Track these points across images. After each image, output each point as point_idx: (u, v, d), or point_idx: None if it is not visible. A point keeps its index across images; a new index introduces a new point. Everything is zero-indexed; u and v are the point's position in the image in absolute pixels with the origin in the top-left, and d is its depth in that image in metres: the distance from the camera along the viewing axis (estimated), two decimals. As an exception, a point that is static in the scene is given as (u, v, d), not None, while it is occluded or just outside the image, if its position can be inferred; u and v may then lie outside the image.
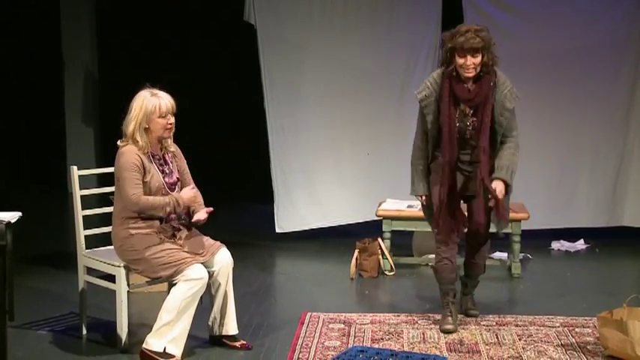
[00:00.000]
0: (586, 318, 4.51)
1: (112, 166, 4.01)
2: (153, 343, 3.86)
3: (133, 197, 3.87)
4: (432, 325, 4.45)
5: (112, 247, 4.10)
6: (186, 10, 8.78)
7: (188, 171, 4.16)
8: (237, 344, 4.14)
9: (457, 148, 4.25)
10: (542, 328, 4.41)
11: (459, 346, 4.15)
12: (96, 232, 4.34)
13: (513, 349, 4.09)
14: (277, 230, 6.51)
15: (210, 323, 4.15)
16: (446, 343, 4.19)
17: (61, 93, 8.71)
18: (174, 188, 4.04)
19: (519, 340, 4.22)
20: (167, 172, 4.02)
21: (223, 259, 4.07)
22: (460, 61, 4.14)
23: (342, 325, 4.47)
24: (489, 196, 4.24)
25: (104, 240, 4.27)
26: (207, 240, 4.11)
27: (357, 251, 5.54)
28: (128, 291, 4.07)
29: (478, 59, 4.12)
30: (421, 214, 5.56)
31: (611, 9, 6.37)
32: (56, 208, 7.70)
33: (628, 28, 6.33)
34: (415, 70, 6.67)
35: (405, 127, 6.68)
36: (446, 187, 4.27)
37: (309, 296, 5.11)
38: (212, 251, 4.04)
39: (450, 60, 4.19)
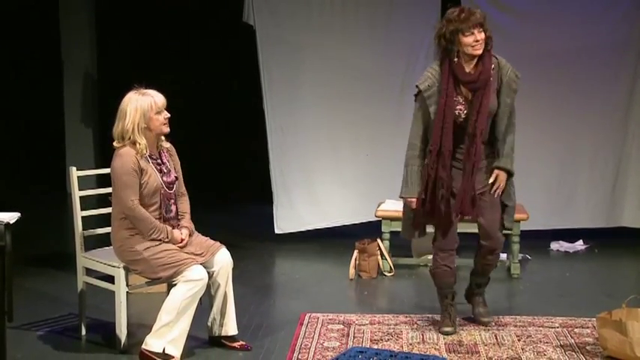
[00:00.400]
0: (585, 319, 4.51)
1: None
2: (152, 343, 3.86)
3: (130, 203, 3.88)
4: (431, 326, 4.45)
5: (111, 247, 4.10)
6: (185, 10, 8.77)
7: (181, 173, 4.15)
8: (237, 345, 4.14)
9: (452, 138, 4.10)
10: (541, 328, 4.41)
11: (458, 346, 4.15)
12: (95, 233, 4.34)
13: (512, 350, 4.09)
14: (276, 231, 6.50)
15: (209, 324, 4.15)
16: (445, 343, 4.19)
17: (60, 93, 8.71)
18: (173, 187, 4.04)
19: (518, 340, 4.22)
20: (165, 171, 4.02)
21: (223, 259, 4.07)
22: (468, 39, 4.02)
23: (342, 326, 4.47)
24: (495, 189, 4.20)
25: (103, 241, 4.27)
26: (207, 240, 4.11)
27: (356, 252, 5.54)
28: (127, 292, 4.07)
29: (482, 35, 4.04)
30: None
31: (610, 10, 6.37)
32: (55, 209, 7.70)
33: (627, 29, 6.33)
34: (414, 70, 6.65)
35: (405, 128, 6.62)
36: (445, 186, 4.14)
37: (309, 297, 5.11)
38: (212, 252, 4.04)
39: (451, 47, 4.06)
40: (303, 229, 6.56)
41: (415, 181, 4.22)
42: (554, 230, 6.42)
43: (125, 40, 8.91)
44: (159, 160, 4.02)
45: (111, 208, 4.07)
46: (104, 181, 4.18)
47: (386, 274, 5.58)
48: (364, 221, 6.39)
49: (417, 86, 4.21)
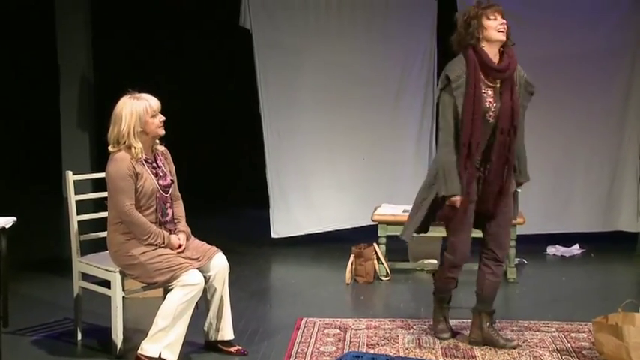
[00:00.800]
0: (581, 323, 4.51)
1: (108, 171, 4.00)
2: (148, 348, 3.85)
3: (126, 208, 3.87)
4: (428, 330, 4.44)
5: (107, 252, 4.09)
6: (182, 14, 8.78)
7: (175, 177, 4.15)
8: (233, 350, 4.13)
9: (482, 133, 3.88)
10: (537, 333, 4.41)
11: (454, 351, 4.15)
12: (91, 238, 4.33)
13: (509, 354, 4.09)
14: (273, 235, 6.50)
15: (205, 328, 4.15)
16: (441, 348, 4.19)
17: (57, 97, 8.70)
18: (168, 191, 4.03)
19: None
20: (161, 174, 4.02)
21: (219, 263, 4.07)
22: (493, 23, 3.85)
23: (338, 331, 4.46)
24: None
25: (99, 245, 4.26)
26: (203, 245, 4.10)
27: (352, 256, 5.54)
28: (123, 296, 4.06)
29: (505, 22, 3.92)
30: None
31: (606, 15, 6.38)
32: (51, 213, 7.68)
33: (623, 35, 6.35)
34: (411, 75, 6.68)
35: (401, 133, 6.72)
36: (470, 185, 3.93)
37: (305, 301, 5.11)
38: (208, 256, 4.04)
39: (475, 34, 3.86)
40: (299, 234, 6.56)
41: (455, 178, 3.92)
42: (550, 234, 6.43)
43: (121, 43, 8.91)
44: (154, 164, 4.01)
45: (107, 213, 4.06)
46: (100, 185, 4.17)
47: (382, 278, 5.57)
48: (361, 225, 6.38)
49: (446, 76, 3.93)
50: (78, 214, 4.24)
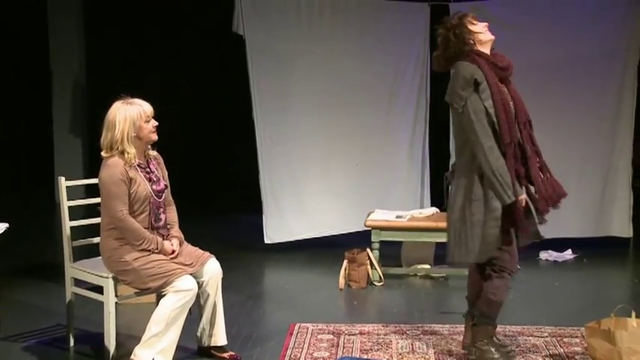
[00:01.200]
0: (574, 328, 4.52)
1: (101, 177, 4.00)
2: (141, 354, 3.84)
3: (120, 214, 3.87)
4: (421, 336, 4.45)
5: (99, 258, 4.08)
6: (177, 20, 8.79)
7: (169, 183, 4.14)
8: (226, 355, 4.12)
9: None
10: (530, 338, 4.42)
11: (447, 357, 4.15)
12: (84, 243, 4.32)
13: (502, 360, 4.10)
14: (266, 241, 6.50)
15: (198, 334, 4.14)
16: (434, 353, 4.19)
17: (49, 103, 8.69)
18: (162, 195, 4.03)
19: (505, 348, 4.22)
20: (154, 179, 4.02)
21: (212, 269, 4.06)
22: (478, 26, 3.87)
23: (331, 336, 4.46)
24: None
25: (92, 251, 4.25)
26: (197, 250, 4.10)
27: (345, 262, 5.54)
28: (116, 302, 4.05)
29: None
30: (410, 224, 5.62)
31: (598, 22, 6.42)
32: (44, 219, 7.66)
33: (615, 41, 6.39)
34: (404, 80, 6.71)
35: (394, 138, 6.73)
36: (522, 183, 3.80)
37: (298, 307, 5.11)
38: (201, 262, 4.03)
39: (469, 39, 3.83)
40: (292, 239, 6.56)
41: (514, 180, 3.77)
42: (543, 240, 6.42)
43: (114, 47, 8.92)
44: (147, 169, 4.01)
45: (100, 218, 4.05)
46: (93, 191, 4.17)
47: (376, 283, 5.58)
48: (354, 231, 6.39)
49: (475, 80, 3.78)
50: (70, 219, 4.23)
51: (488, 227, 3.82)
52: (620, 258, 6.38)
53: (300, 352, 4.20)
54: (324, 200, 6.61)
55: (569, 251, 6.42)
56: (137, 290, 4.04)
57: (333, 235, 6.61)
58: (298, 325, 4.63)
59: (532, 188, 3.92)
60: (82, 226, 4.33)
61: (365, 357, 4.12)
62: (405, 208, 6.01)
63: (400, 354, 4.19)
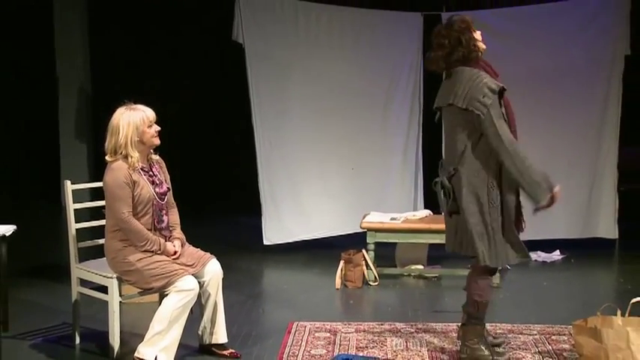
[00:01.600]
0: (562, 326, 4.53)
1: (105, 180, 4.00)
2: (144, 352, 3.84)
3: (123, 216, 3.87)
4: (415, 334, 4.45)
5: (104, 258, 4.08)
6: (181, 28, 8.79)
7: (171, 186, 4.15)
8: (227, 353, 4.12)
9: None
10: (520, 335, 4.43)
11: (440, 354, 4.16)
12: (89, 245, 4.32)
13: (493, 357, 4.10)
14: (265, 242, 6.50)
15: (200, 332, 4.14)
16: (428, 350, 4.19)
17: (55, 109, 8.69)
18: (164, 198, 4.03)
19: (499, 347, 4.22)
20: (157, 182, 4.02)
21: (213, 269, 4.06)
22: (478, 34, 3.82)
23: (328, 334, 4.46)
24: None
25: (97, 252, 4.25)
26: (198, 251, 4.10)
27: (342, 262, 5.54)
28: (120, 302, 4.06)
29: None
30: (404, 226, 5.62)
31: (583, 31, 6.44)
32: (50, 222, 7.66)
33: (600, 50, 6.40)
34: (398, 87, 6.72)
35: (388, 142, 6.74)
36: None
37: (296, 306, 5.11)
38: (202, 262, 4.04)
39: (474, 47, 3.79)
40: (290, 240, 6.56)
41: (544, 172, 3.74)
42: (532, 241, 6.41)
43: (119, 57, 8.92)
44: (150, 172, 4.02)
45: (104, 221, 4.06)
46: (98, 194, 4.17)
47: (371, 283, 5.58)
48: (350, 232, 6.39)
49: (502, 87, 3.75)
50: (76, 222, 4.23)
51: (508, 232, 3.79)
52: (606, 259, 6.39)
53: (298, 350, 4.21)
54: (321, 203, 6.62)
55: (558, 252, 6.43)
56: (140, 290, 4.04)
57: (330, 237, 6.61)
58: (296, 323, 4.63)
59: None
60: (87, 228, 4.33)
61: (361, 354, 4.12)
62: (399, 211, 6.01)
63: (395, 351, 4.19)
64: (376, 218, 5.74)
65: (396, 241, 5.75)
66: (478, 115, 3.70)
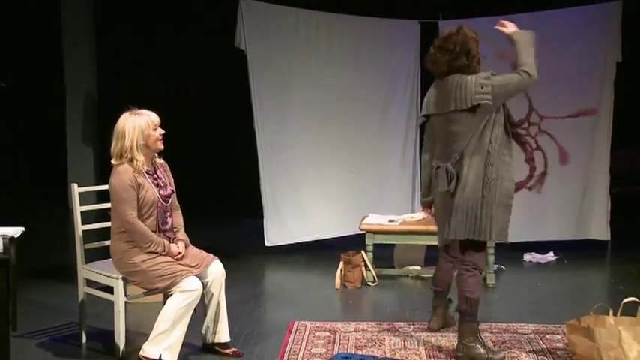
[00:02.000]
0: (556, 325, 4.52)
1: (111, 183, 4.00)
2: (149, 350, 3.84)
3: (129, 217, 3.87)
4: (413, 333, 4.45)
5: (110, 259, 4.09)
6: (187, 36, 8.80)
7: (174, 189, 4.15)
8: (229, 351, 4.12)
9: None
10: (515, 334, 4.43)
11: (437, 352, 4.15)
12: (95, 246, 4.32)
13: (488, 355, 4.10)
14: (267, 243, 6.49)
15: (203, 331, 4.14)
16: (425, 349, 4.19)
17: (63, 115, 8.72)
18: (169, 200, 4.04)
19: (494, 346, 4.23)
20: (162, 185, 4.02)
21: (216, 270, 4.06)
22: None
23: (328, 333, 4.46)
24: None
25: (103, 253, 4.25)
26: (201, 252, 4.11)
27: (341, 263, 5.54)
28: (126, 301, 4.06)
29: None
30: (402, 227, 5.62)
31: (577, 38, 6.43)
32: (58, 224, 7.66)
33: (593, 57, 6.40)
34: (396, 92, 6.73)
35: (387, 146, 6.74)
36: None
37: (297, 306, 5.10)
38: (206, 263, 4.04)
39: (478, 59, 3.97)
40: (291, 242, 6.55)
41: None
42: (526, 242, 6.45)
43: (124, 64, 8.93)
44: (155, 176, 4.02)
45: (110, 223, 4.06)
46: (104, 197, 4.18)
47: (370, 284, 5.57)
48: (349, 234, 6.39)
49: (491, 73, 3.97)
50: (83, 224, 4.23)
51: (501, 212, 3.90)
52: (598, 259, 6.39)
53: (298, 349, 4.20)
54: (321, 205, 6.62)
55: (551, 253, 6.43)
56: (145, 290, 4.04)
57: (330, 238, 6.61)
58: (297, 322, 4.63)
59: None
60: (93, 229, 4.33)
61: (360, 353, 4.12)
62: (397, 213, 6.01)
63: (393, 350, 4.19)
64: (375, 220, 5.74)
65: (395, 242, 5.75)
66: (486, 103, 3.83)
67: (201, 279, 3.96)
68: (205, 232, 4.21)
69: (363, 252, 5.60)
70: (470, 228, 3.89)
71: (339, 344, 4.28)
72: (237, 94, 7.34)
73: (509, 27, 4.02)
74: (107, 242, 4.15)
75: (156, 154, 4.05)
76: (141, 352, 3.87)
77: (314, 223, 6.60)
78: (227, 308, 4.14)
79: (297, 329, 4.52)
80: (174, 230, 4.07)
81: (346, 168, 6.65)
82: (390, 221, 5.68)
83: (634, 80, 7.35)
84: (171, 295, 3.89)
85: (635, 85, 7.54)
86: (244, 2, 6.25)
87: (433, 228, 5.33)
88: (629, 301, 3.89)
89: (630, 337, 3.69)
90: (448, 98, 3.90)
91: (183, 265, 3.94)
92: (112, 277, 4.03)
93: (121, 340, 4.02)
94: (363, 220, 5.79)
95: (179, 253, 3.98)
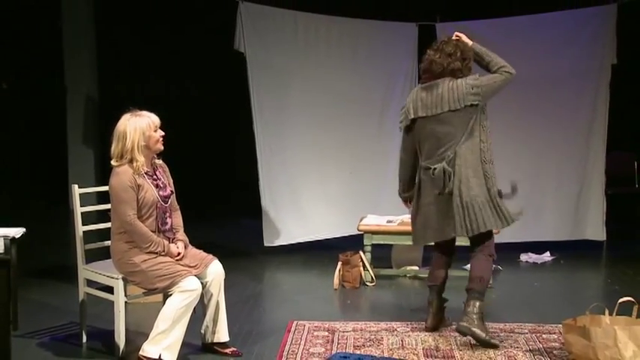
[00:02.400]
0: (552, 325, 4.52)
1: (111, 184, 3.99)
2: (149, 350, 3.83)
3: (129, 218, 3.86)
4: (410, 332, 4.44)
5: (110, 260, 4.08)
6: (186, 37, 8.80)
7: (174, 189, 4.14)
8: (228, 351, 4.11)
9: None
10: (512, 334, 4.42)
11: (435, 352, 4.15)
12: (96, 246, 4.31)
13: (485, 354, 4.10)
14: (266, 244, 6.49)
15: (202, 331, 4.13)
16: (423, 349, 4.19)
17: (64, 117, 8.71)
18: (168, 201, 4.03)
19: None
20: (161, 185, 4.02)
21: (215, 270, 4.06)
22: None
23: (326, 333, 4.46)
24: None
25: (103, 253, 4.24)
26: (201, 253, 4.10)
27: (340, 263, 5.53)
28: (126, 301, 4.05)
29: None
30: (400, 228, 5.62)
31: (572, 42, 6.44)
32: (58, 224, 7.65)
33: (585, 63, 6.42)
34: (394, 94, 6.72)
35: (385, 148, 6.74)
36: None
37: (296, 305, 5.10)
38: (205, 263, 4.03)
39: (470, 66, 4.25)
40: (290, 242, 6.55)
41: None
42: (523, 243, 6.45)
43: (124, 66, 8.93)
44: (154, 176, 4.01)
45: (110, 223, 4.05)
46: (104, 198, 4.17)
47: (368, 284, 5.57)
48: (347, 235, 6.39)
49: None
50: (83, 224, 4.23)
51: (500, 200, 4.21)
52: (594, 260, 6.39)
53: (297, 348, 4.20)
54: (319, 206, 6.62)
55: (548, 253, 6.43)
56: (145, 290, 4.03)
57: (328, 239, 6.61)
58: (296, 322, 4.62)
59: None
60: (93, 230, 4.32)
61: (358, 352, 4.11)
62: (395, 213, 6.00)
63: (391, 349, 4.18)
64: (373, 221, 5.74)
65: (392, 243, 5.75)
66: (477, 104, 4.12)
67: (200, 279, 3.95)
68: (205, 233, 4.20)
69: (361, 252, 5.60)
70: (490, 221, 4.15)
71: (338, 344, 4.27)
72: (236, 95, 7.34)
73: (464, 38, 4.28)
74: (107, 243, 4.14)
75: (155, 155, 4.04)
76: (141, 352, 3.86)
77: (313, 224, 6.60)
78: (226, 308, 4.13)
79: (295, 329, 4.52)
80: (174, 231, 4.07)
81: (345, 169, 6.65)
82: (388, 222, 5.68)
83: (629, 82, 7.35)
84: (170, 295, 3.88)
85: (630, 87, 7.55)
86: (243, 5, 6.25)
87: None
88: (624, 301, 3.88)
89: (626, 337, 3.69)
90: (441, 100, 4.16)
91: (182, 265, 3.93)
92: (112, 278, 4.02)
93: (121, 339, 4.01)
94: (361, 220, 5.79)
95: (179, 253, 3.98)
